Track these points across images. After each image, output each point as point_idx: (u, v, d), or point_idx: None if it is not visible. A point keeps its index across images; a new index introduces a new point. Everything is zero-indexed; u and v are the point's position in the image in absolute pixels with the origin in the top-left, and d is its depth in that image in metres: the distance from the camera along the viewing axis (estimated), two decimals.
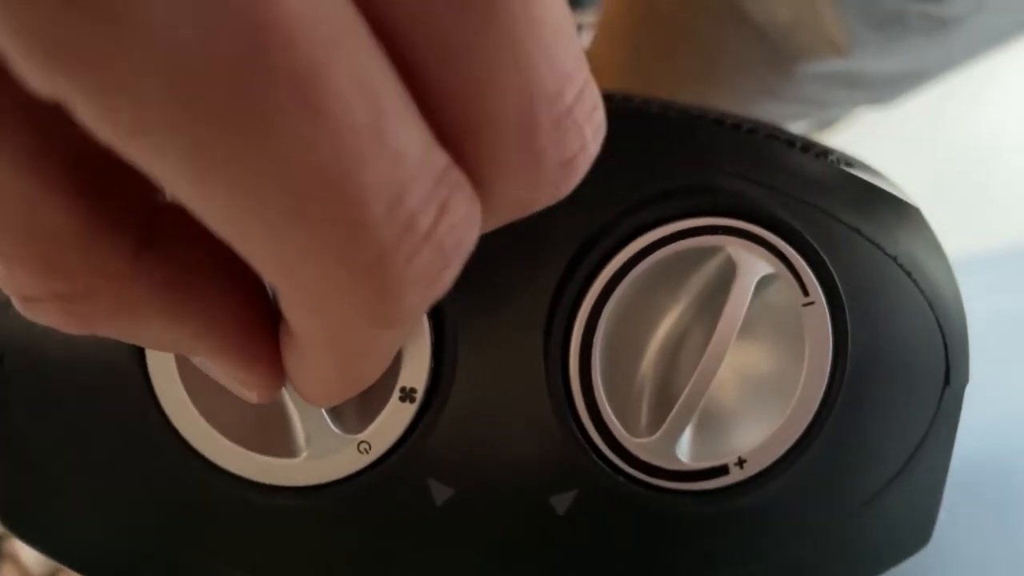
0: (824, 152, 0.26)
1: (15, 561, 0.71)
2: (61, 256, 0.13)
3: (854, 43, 0.47)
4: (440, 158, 0.11)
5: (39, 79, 0.09)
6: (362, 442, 0.21)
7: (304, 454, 0.22)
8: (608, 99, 0.23)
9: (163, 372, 0.22)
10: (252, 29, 0.09)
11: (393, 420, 0.21)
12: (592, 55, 0.53)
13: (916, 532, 0.25)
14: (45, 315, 0.14)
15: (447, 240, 0.11)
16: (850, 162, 0.26)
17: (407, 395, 0.21)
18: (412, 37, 0.10)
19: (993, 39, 0.51)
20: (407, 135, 0.11)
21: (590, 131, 0.12)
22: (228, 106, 0.09)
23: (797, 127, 0.55)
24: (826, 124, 0.66)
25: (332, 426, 0.21)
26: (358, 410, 0.22)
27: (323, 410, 0.21)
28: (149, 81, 0.09)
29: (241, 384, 0.18)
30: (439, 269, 0.11)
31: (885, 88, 0.54)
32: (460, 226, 0.11)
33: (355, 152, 0.10)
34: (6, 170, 0.12)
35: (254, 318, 0.16)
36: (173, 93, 0.09)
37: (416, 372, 0.21)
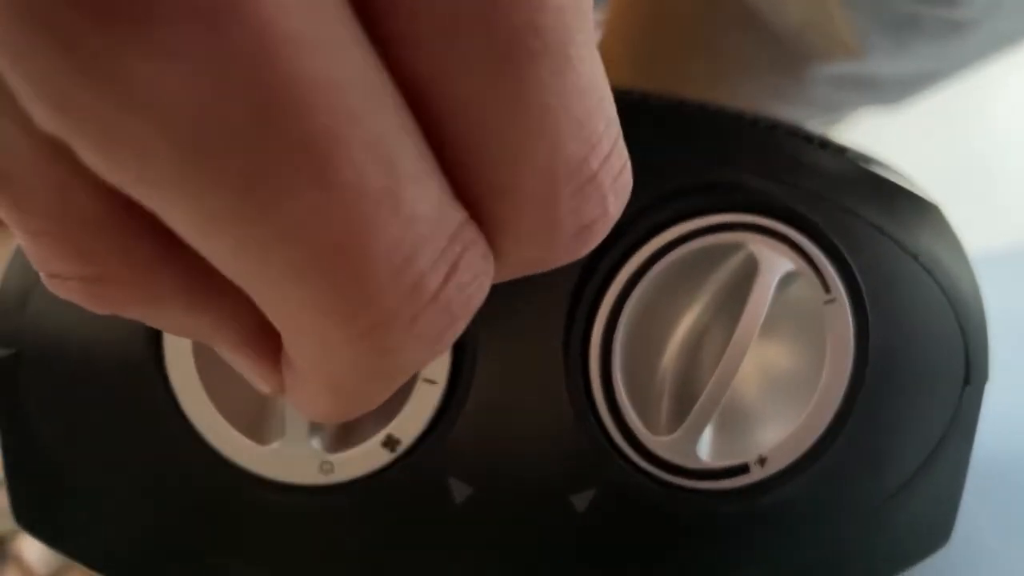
0: (841, 150, 0.26)
1: (19, 562, 0.71)
2: (88, 240, 0.13)
3: (866, 46, 0.47)
4: (455, 215, 0.11)
5: (43, 121, 0.09)
6: (389, 435, 0.21)
7: (325, 452, 0.21)
8: (626, 96, 0.23)
9: (181, 369, 0.22)
10: (263, 96, 0.09)
11: (417, 412, 0.21)
12: (599, 54, 0.53)
13: (936, 530, 0.25)
14: (69, 293, 0.14)
15: (455, 300, 0.11)
16: (867, 160, 0.26)
17: (427, 384, 0.21)
18: (439, 101, 0.10)
19: (1006, 42, 0.51)
20: (423, 197, 0.10)
21: (612, 197, 0.12)
22: (236, 170, 0.09)
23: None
24: (831, 124, 0.66)
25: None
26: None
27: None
28: (155, 142, 0.09)
29: (256, 377, 0.17)
30: (443, 328, 0.11)
31: (895, 90, 0.54)
32: (471, 285, 0.11)
33: (366, 220, 0.10)
34: (41, 154, 0.12)
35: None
36: (179, 155, 0.09)
37: (437, 365, 0.21)
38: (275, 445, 0.21)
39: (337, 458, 0.21)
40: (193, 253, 0.15)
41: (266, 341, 0.17)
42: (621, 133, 0.12)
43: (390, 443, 0.21)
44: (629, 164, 0.12)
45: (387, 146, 0.10)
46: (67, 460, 0.23)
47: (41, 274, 0.14)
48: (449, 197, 0.11)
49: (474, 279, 0.11)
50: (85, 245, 0.14)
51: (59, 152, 0.13)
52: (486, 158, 0.11)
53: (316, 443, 0.21)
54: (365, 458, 0.21)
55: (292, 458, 0.21)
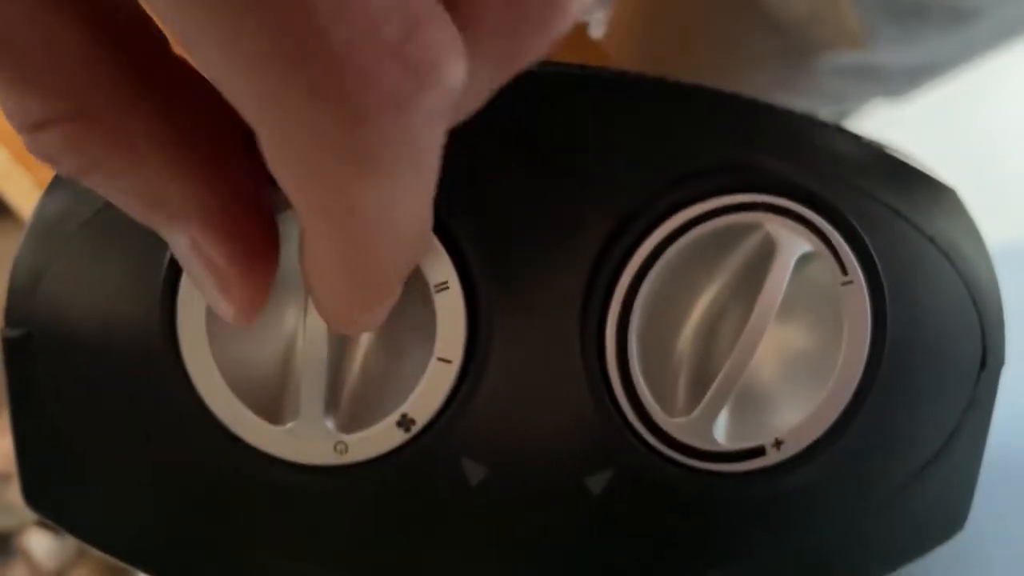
0: (856, 135, 0.26)
1: (27, 556, 0.71)
2: (69, 73, 0.14)
3: (872, 36, 0.47)
4: None
5: None
6: (403, 415, 0.21)
7: (340, 432, 0.21)
8: (643, 79, 0.23)
9: (194, 349, 0.22)
10: None
11: (431, 392, 0.21)
12: (607, 45, 0.53)
13: (951, 517, 0.25)
14: (49, 146, 0.14)
15: (418, 57, 0.10)
16: (882, 145, 0.26)
17: (441, 363, 0.21)
18: None
19: (1012, 32, 0.50)
20: None
21: None
22: None
23: None
24: (838, 116, 0.66)
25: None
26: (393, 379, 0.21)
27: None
28: None
29: (221, 286, 0.17)
30: (411, 91, 0.11)
31: (902, 81, 0.54)
32: (435, 47, 0.11)
33: None
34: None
35: (249, 209, 0.16)
36: None
37: (452, 345, 0.21)
38: (289, 425, 0.21)
39: (351, 438, 0.21)
40: (173, 107, 0.15)
41: (239, 224, 0.16)
42: None
43: (405, 423, 0.21)
44: None
45: None
46: (79, 441, 0.23)
47: (24, 137, 0.14)
48: None
49: (438, 43, 0.11)
50: (64, 81, 0.14)
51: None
52: None
53: (330, 423, 0.21)
54: (380, 438, 0.21)
55: (306, 438, 0.21)
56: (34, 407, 0.23)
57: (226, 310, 0.17)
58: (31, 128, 0.14)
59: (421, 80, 0.11)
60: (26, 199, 0.61)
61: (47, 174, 0.21)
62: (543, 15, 0.12)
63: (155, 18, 0.12)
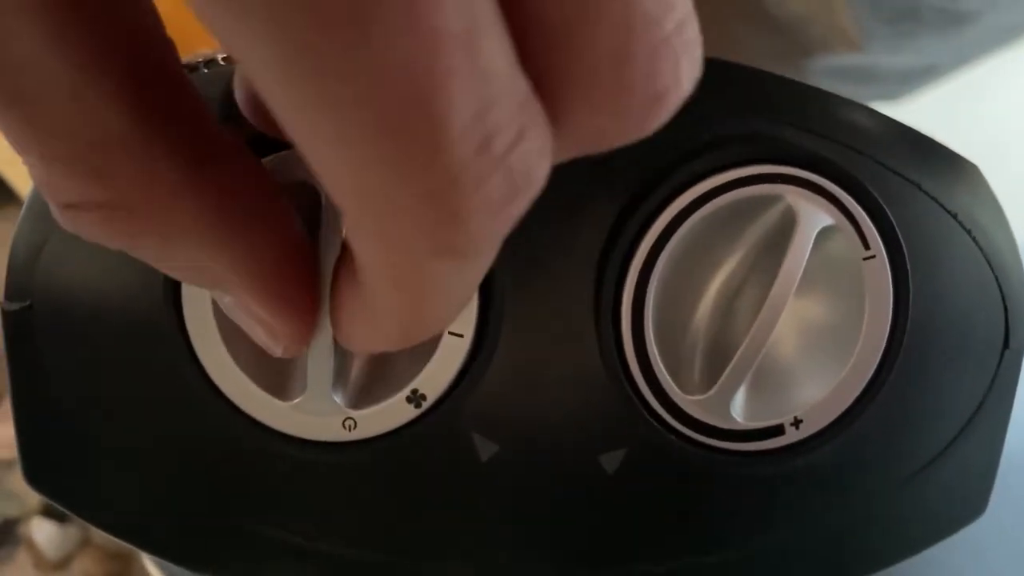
0: (876, 112, 0.25)
1: (30, 545, 0.70)
2: (108, 161, 0.13)
3: (866, 37, 0.47)
4: (524, 84, 0.11)
5: None
6: (413, 391, 0.21)
7: (349, 408, 0.21)
8: None
9: (200, 324, 0.21)
10: None
11: (442, 367, 0.21)
12: None
13: (972, 500, 0.24)
14: (83, 225, 0.14)
15: (518, 168, 0.11)
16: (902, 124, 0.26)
17: (453, 337, 0.21)
18: None
19: (1006, 36, 0.50)
20: (498, 53, 0.10)
21: (686, 65, 0.11)
22: (327, 6, 0.09)
23: None
24: None
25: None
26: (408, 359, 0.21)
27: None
28: None
29: (268, 333, 0.17)
30: (508, 197, 0.11)
31: (896, 83, 0.54)
32: (533, 156, 0.11)
33: (446, 64, 0.09)
34: (60, 62, 0.12)
35: (290, 262, 0.16)
36: None
37: (463, 320, 0.21)
38: (297, 401, 0.21)
39: (360, 414, 0.21)
40: (219, 184, 0.14)
41: (281, 285, 0.16)
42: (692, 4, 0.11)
43: (415, 398, 0.21)
44: (700, 39, 0.12)
45: None
46: (80, 418, 0.22)
47: (54, 208, 0.14)
48: (517, 64, 0.10)
49: (537, 151, 0.11)
50: (104, 166, 0.13)
51: (80, 61, 0.12)
52: (560, 14, 0.10)
53: (338, 398, 0.21)
54: (389, 414, 0.21)
55: (314, 414, 0.21)
56: (35, 384, 0.22)
57: (275, 350, 0.17)
58: (62, 207, 0.14)
59: (518, 189, 0.11)
60: (30, 185, 0.61)
61: None
62: (643, 113, 0.12)
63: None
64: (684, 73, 0.11)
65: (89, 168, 0.13)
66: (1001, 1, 0.45)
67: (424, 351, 0.21)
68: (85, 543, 0.67)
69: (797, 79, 0.51)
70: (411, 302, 0.14)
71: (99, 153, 0.13)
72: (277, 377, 0.21)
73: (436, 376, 0.21)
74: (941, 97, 0.58)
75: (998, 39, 0.50)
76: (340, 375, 0.21)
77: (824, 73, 0.50)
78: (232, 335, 0.21)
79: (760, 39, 0.49)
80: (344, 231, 0.16)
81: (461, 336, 0.21)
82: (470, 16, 0.09)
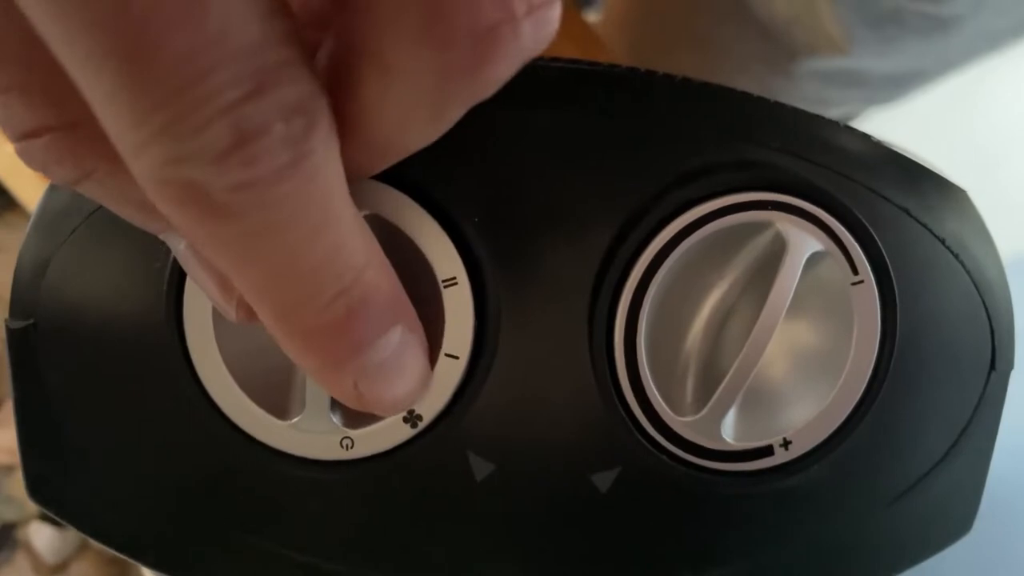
0: (865, 135, 0.26)
1: (28, 549, 0.71)
2: (60, 85, 0.13)
3: (852, 41, 0.47)
4: (277, 53, 0.11)
5: None
6: (410, 411, 0.21)
7: (347, 427, 0.21)
8: (652, 75, 0.23)
9: (200, 342, 0.22)
10: None
11: (439, 388, 0.21)
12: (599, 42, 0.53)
13: (959, 519, 0.24)
14: (37, 152, 0.14)
15: (246, 118, 0.11)
16: (891, 146, 0.26)
17: (449, 359, 0.21)
18: None
19: (992, 41, 0.51)
20: (238, 26, 0.11)
21: (522, 6, 0.11)
22: None
23: None
24: None
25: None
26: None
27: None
28: None
29: (222, 289, 0.17)
30: (230, 145, 0.11)
31: (885, 88, 0.54)
32: (269, 112, 0.11)
33: (166, 23, 0.10)
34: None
35: None
36: None
37: (459, 341, 0.21)
38: (295, 420, 0.21)
39: (357, 434, 0.21)
40: None
41: None
42: None
43: (411, 419, 0.21)
44: (558, 5, 0.12)
45: None
46: (83, 434, 0.23)
47: (15, 145, 0.14)
48: (282, 32, 0.11)
49: (281, 109, 0.11)
50: (57, 90, 0.14)
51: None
52: None
53: (336, 418, 0.21)
54: (386, 434, 0.21)
55: (312, 433, 0.21)
56: (38, 400, 0.23)
57: (228, 310, 0.17)
58: (21, 136, 0.14)
59: (243, 136, 0.11)
60: (32, 193, 0.61)
61: None
62: (471, 51, 0.11)
63: None
64: (519, 10, 0.11)
65: (43, 94, 0.14)
66: (985, 6, 0.45)
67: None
68: (83, 548, 0.67)
69: (785, 83, 0.52)
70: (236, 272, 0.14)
71: (51, 78, 0.13)
72: (276, 397, 0.22)
73: (433, 396, 0.21)
74: (934, 103, 0.58)
75: (985, 44, 0.51)
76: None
77: (812, 77, 0.50)
78: (232, 355, 0.22)
79: (747, 43, 0.49)
80: None
81: (457, 358, 0.21)
82: None
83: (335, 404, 0.21)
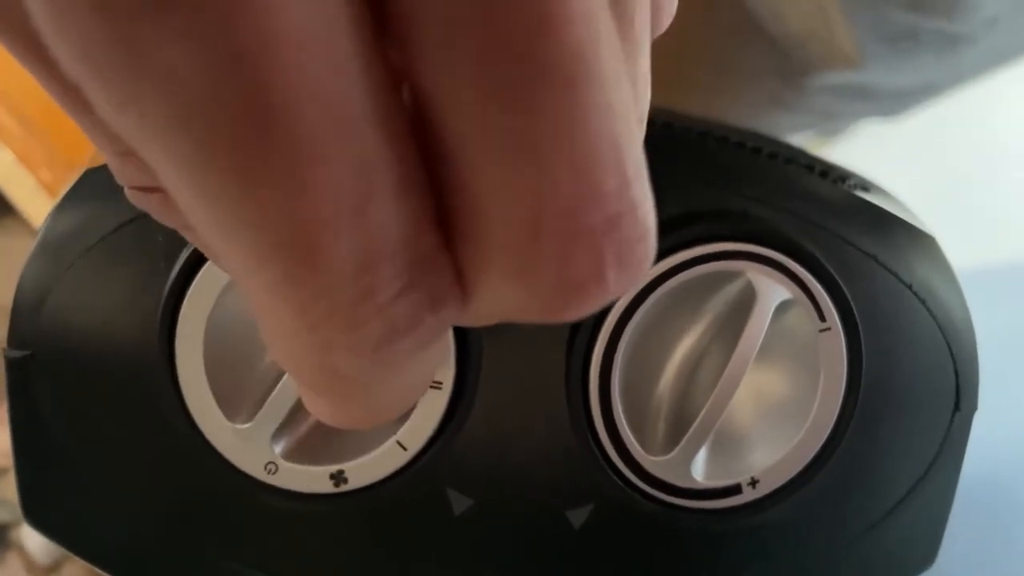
0: (842, 177, 0.26)
1: (20, 550, 0.71)
2: None
3: (865, 56, 0.47)
4: (426, 240, 0.11)
5: (63, 58, 0.10)
6: (397, 442, 0.22)
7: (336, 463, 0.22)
8: None
9: (191, 374, 0.22)
10: (254, 93, 0.09)
11: (424, 415, 0.22)
12: None
13: (922, 553, 0.25)
14: (145, 205, 0.15)
15: (401, 315, 0.11)
16: (867, 187, 0.27)
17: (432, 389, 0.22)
18: (438, 112, 0.10)
19: (1003, 57, 0.51)
20: (392, 216, 0.10)
21: (613, 262, 0.11)
22: (220, 152, 0.09)
23: (803, 136, 0.56)
24: (831, 134, 0.66)
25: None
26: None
27: None
28: (155, 104, 0.09)
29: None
30: (383, 338, 0.11)
31: (894, 101, 0.55)
32: (421, 305, 0.11)
33: (329, 223, 0.10)
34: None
35: None
36: (171, 119, 0.09)
37: (442, 371, 0.22)
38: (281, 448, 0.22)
39: (348, 466, 0.22)
40: None
41: None
42: (647, 209, 0.11)
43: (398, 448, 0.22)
44: (650, 243, 0.11)
45: (367, 161, 0.10)
46: (77, 460, 0.23)
47: (126, 189, 0.15)
48: (425, 221, 0.11)
49: (428, 301, 0.11)
50: None
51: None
52: (474, 177, 0.11)
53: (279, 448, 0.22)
54: (376, 464, 0.22)
55: (299, 467, 0.22)
56: (35, 426, 0.23)
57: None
58: (131, 188, 0.15)
59: (396, 333, 0.11)
60: (29, 200, 0.62)
61: (50, 176, 0.22)
62: (554, 299, 0.11)
63: None
64: (609, 269, 0.11)
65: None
66: (999, 25, 0.45)
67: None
68: None
69: (795, 96, 0.52)
70: (332, 405, 0.14)
71: None
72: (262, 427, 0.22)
73: (418, 426, 0.22)
74: (938, 112, 0.59)
75: (996, 60, 0.51)
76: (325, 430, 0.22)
77: (823, 90, 0.50)
78: (222, 387, 0.22)
79: (759, 57, 0.50)
80: None
81: (440, 386, 0.22)
82: (365, 183, 0.10)
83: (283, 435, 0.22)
